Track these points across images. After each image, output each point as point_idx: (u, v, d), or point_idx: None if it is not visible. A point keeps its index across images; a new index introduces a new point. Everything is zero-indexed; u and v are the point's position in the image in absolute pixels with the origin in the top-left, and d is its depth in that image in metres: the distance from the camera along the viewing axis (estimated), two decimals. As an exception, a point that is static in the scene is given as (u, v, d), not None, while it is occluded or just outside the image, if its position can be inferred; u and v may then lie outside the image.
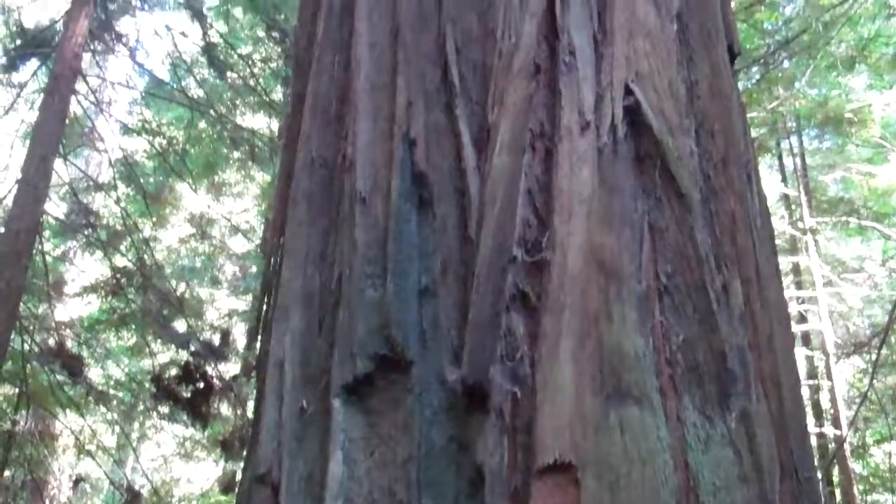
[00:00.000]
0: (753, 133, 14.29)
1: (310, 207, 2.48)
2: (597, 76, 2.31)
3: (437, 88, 2.46)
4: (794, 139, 17.00)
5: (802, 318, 15.65)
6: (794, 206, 16.95)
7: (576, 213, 2.06)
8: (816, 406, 15.32)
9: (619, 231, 2.06)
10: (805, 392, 14.74)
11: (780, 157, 17.61)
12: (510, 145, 2.20)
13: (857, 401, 14.40)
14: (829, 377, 14.31)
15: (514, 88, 2.29)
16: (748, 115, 12.95)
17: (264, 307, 2.77)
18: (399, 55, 2.53)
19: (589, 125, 2.20)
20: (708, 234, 2.18)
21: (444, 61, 2.50)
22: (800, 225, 15.66)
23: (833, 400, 14.35)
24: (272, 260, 2.83)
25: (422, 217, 2.26)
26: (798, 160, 16.82)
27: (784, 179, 17.39)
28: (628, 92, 2.26)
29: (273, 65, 11.84)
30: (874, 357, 10.92)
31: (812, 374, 15.44)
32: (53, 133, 7.85)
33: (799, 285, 16.37)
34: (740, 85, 12.55)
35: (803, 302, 15.73)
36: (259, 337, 2.81)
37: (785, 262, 16.03)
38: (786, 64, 12.93)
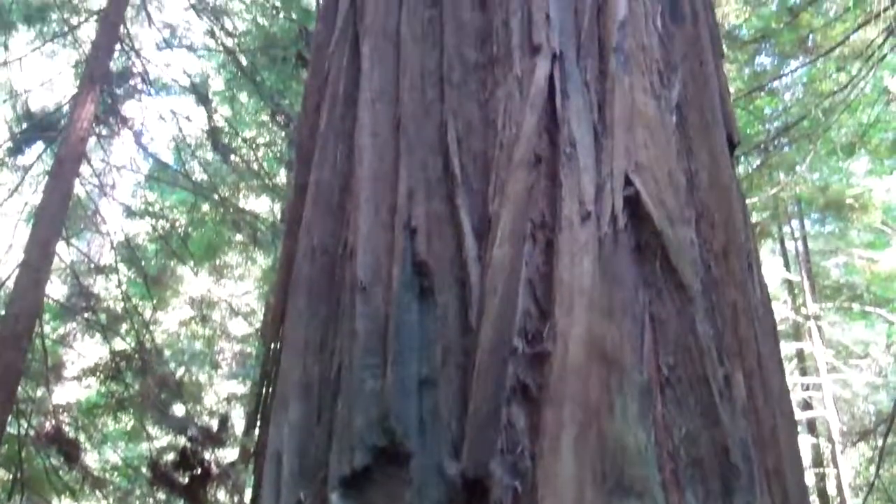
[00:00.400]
0: (755, 218, 14.42)
1: (310, 296, 2.47)
2: (597, 167, 2.32)
3: (438, 178, 2.48)
4: (795, 223, 17.11)
5: (807, 405, 15.54)
6: (796, 291, 16.95)
7: (577, 303, 2.05)
8: (823, 494, 15.11)
9: (621, 322, 2.05)
10: (811, 480, 14.55)
11: (782, 242, 17.70)
12: (511, 235, 2.20)
13: (864, 489, 14.19)
14: (835, 465, 14.15)
15: (515, 179, 2.31)
16: (749, 200, 13.08)
17: (263, 396, 2.75)
18: (401, 145, 2.55)
19: (590, 215, 2.20)
20: (710, 326, 2.18)
21: (446, 151, 2.52)
22: (803, 311, 15.66)
23: (839, 487, 14.16)
24: (272, 347, 2.81)
25: (422, 306, 2.25)
26: (800, 244, 16.89)
27: (786, 264, 17.45)
28: (628, 182, 2.28)
29: (276, 149, 11.97)
30: (880, 444, 10.80)
31: (818, 461, 15.27)
32: (57, 216, 7.90)
33: (803, 371, 16.29)
34: (741, 169, 12.75)
35: (808, 388, 15.64)
36: (258, 426, 2.78)
37: (789, 349, 15.98)
38: (786, 149, 13.07)
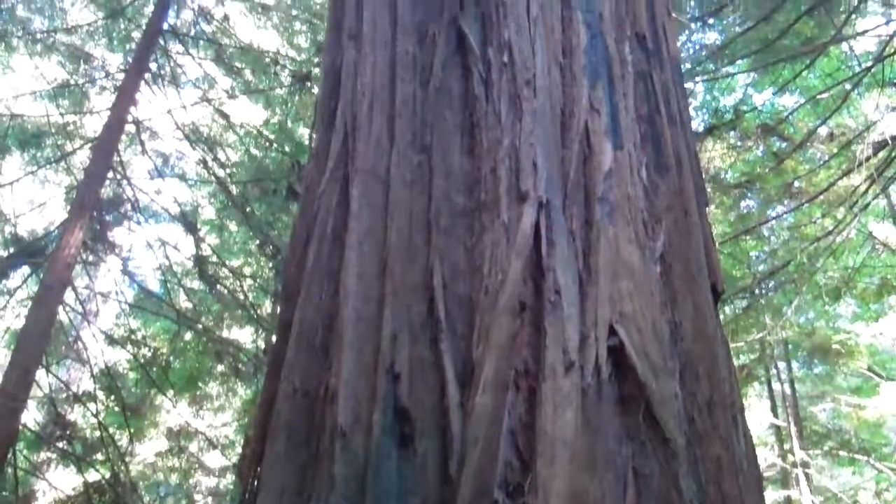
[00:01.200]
0: (742, 360, 14.40)
1: (289, 440, 2.43)
2: (581, 316, 2.33)
3: (422, 322, 2.48)
4: (782, 365, 17.09)
5: (795, 554, 15.20)
6: (784, 436, 16.80)
7: (559, 456, 2.02)
8: None
9: (603, 476, 2.02)
10: None
11: (769, 384, 17.64)
12: (494, 384, 2.19)
13: None
14: None
15: (500, 326, 2.31)
16: (736, 344, 13.10)
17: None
18: (387, 287, 2.56)
19: (573, 365, 2.20)
20: (693, 481, 2.14)
21: (431, 295, 2.53)
22: (790, 457, 15.48)
23: None
24: (247, 489, 2.74)
25: (402, 454, 2.22)
26: (787, 387, 16.82)
27: (774, 408, 17.34)
28: (612, 332, 2.28)
29: (263, 279, 11.99)
30: None
31: None
32: (38, 345, 7.83)
33: (791, 520, 16.00)
34: (727, 310, 12.80)
35: (796, 536, 15.33)
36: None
37: (776, 496, 15.74)
38: (772, 293, 13.15)
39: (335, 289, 2.70)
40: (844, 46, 12.56)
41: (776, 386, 17.58)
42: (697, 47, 13.12)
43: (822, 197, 12.12)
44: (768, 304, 13.09)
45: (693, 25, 12.67)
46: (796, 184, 12.53)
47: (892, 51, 10.66)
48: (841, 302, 14.21)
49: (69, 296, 9.80)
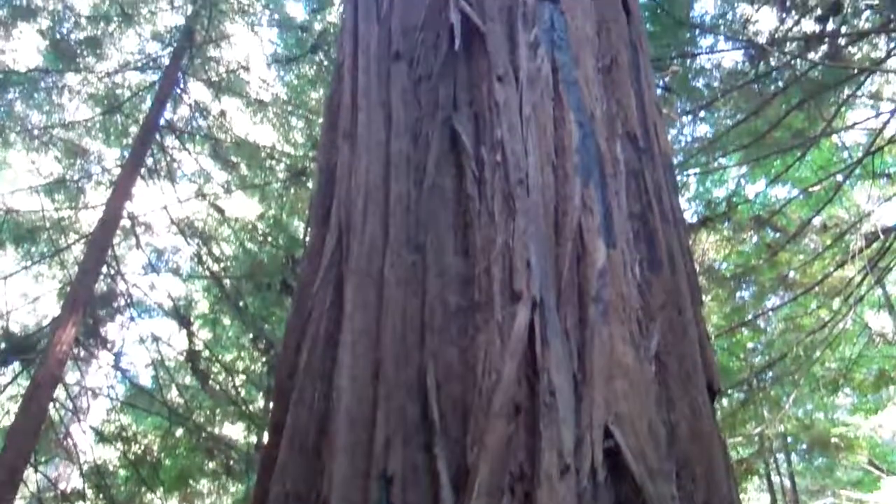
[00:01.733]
0: (740, 454, 14.21)
1: (280, 548, 2.38)
2: (577, 418, 2.30)
3: (416, 425, 2.45)
4: (782, 458, 16.89)
5: None
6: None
7: (556, 563, 1.98)
8: None
9: (602, 583, 1.97)
10: None
11: (768, 478, 17.39)
12: (489, 489, 2.15)
13: None
14: None
15: (494, 429, 2.28)
16: (734, 438, 12.96)
17: None
18: (380, 389, 2.53)
19: (569, 469, 2.16)
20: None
21: (425, 397, 2.50)
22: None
23: None
24: None
25: (394, 560, 2.17)
26: (787, 481, 16.60)
27: (774, 502, 17.07)
28: (608, 434, 2.26)
29: (255, 375, 11.90)
30: None
31: None
32: (27, 443, 7.72)
33: None
34: (725, 403, 12.69)
35: None
36: None
37: None
38: (769, 385, 13.07)
39: (328, 390, 2.68)
40: (835, 138, 12.74)
41: (776, 479, 17.35)
42: (689, 139, 13.29)
43: (817, 288, 12.14)
44: (766, 397, 13.00)
45: (684, 118, 12.86)
46: (791, 275, 12.58)
47: (883, 143, 10.83)
48: (839, 393, 14.12)
49: (60, 392, 9.70)
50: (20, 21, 13.04)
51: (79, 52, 13.31)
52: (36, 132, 13.41)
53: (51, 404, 8.79)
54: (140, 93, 14.20)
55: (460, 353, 2.63)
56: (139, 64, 14.38)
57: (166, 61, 13.62)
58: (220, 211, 13.26)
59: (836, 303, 12.04)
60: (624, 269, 2.81)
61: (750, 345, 14.43)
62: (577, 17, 3.70)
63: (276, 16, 14.93)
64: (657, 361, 2.62)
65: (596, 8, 3.89)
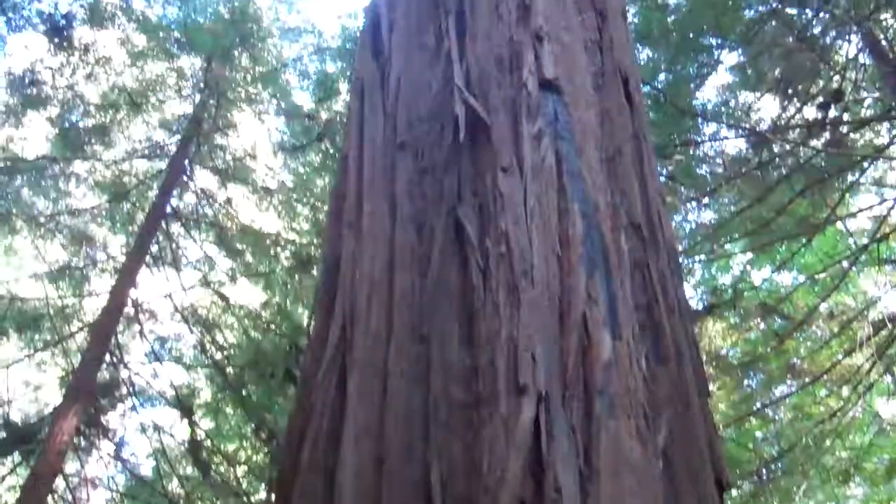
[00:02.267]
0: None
1: None
2: (583, 515, 2.26)
3: (420, 523, 2.40)
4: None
5: None
6: None
7: None
8: None
9: None
10: None
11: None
12: (495, 590, 2.10)
13: None
14: None
15: (499, 527, 2.23)
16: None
17: None
18: (383, 485, 2.49)
19: (576, 569, 2.11)
20: None
21: (429, 493, 2.45)
22: None
23: None
24: None
25: None
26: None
27: None
28: (617, 534, 2.21)
29: (257, 465, 11.76)
30: None
31: None
32: (25, 536, 7.59)
33: None
34: (735, 493, 12.42)
35: None
36: None
37: None
38: (780, 475, 12.85)
39: (331, 486, 2.63)
40: (840, 225, 12.77)
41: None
42: (694, 226, 13.33)
43: (825, 376, 12.03)
44: (777, 488, 12.78)
45: (688, 205, 12.92)
46: (798, 363, 12.48)
47: (888, 230, 10.84)
48: (850, 484, 13.88)
49: (59, 482, 9.58)
50: (30, 109, 13.23)
51: (87, 139, 13.49)
52: (42, 219, 13.51)
53: (49, 496, 8.66)
54: (147, 180, 14.34)
55: (465, 448, 2.58)
56: (146, 151, 14.56)
57: (173, 149, 13.79)
58: (225, 298, 13.26)
59: (845, 391, 11.93)
60: (630, 362, 2.78)
61: (759, 434, 14.24)
62: (581, 108, 3.73)
63: (283, 104, 15.14)
64: (664, 457, 2.58)
65: (599, 98, 3.92)
